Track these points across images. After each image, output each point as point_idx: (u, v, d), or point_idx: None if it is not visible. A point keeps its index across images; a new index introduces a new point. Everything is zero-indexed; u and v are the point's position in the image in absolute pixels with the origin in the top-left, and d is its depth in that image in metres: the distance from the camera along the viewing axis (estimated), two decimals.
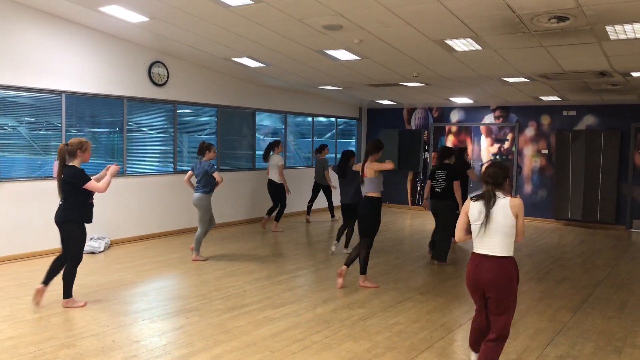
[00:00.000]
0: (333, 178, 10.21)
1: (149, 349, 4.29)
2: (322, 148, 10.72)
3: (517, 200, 3.64)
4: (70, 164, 5.13)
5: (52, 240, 7.51)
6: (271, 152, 9.88)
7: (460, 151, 8.76)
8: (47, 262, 7.02)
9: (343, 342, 4.52)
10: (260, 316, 5.11)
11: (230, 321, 4.96)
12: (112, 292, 5.79)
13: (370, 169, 6.13)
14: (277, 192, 9.84)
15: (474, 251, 3.76)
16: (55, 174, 7.52)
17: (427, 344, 4.54)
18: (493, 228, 3.60)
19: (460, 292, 6.24)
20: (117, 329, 4.71)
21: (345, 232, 8.17)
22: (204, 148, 7.35)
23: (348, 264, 6.32)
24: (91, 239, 7.80)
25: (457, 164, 8.00)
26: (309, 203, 11.18)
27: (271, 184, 9.88)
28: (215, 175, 7.21)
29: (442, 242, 7.62)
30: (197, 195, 7.29)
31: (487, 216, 3.60)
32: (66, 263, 5.28)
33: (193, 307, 5.34)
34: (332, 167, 10.06)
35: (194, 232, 9.45)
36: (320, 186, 10.84)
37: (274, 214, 9.97)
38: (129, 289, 5.89)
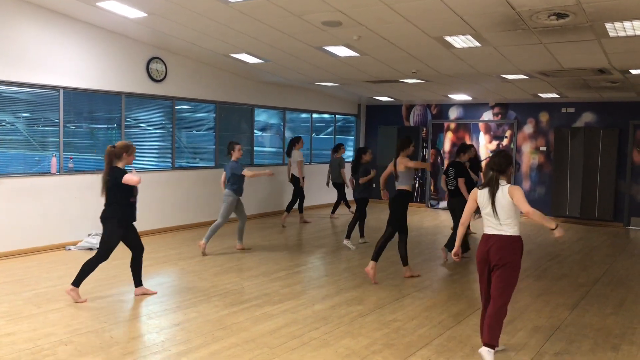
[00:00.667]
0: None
1: (147, 346, 4.28)
2: (339, 147, 10.99)
3: (515, 187, 4.04)
4: (116, 165, 5.30)
5: (50, 236, 7.53)
6: (292, 149, 10.36)
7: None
8: (45, 258, 7.06)
9: (341, 338, 4.52)
10: (259, 312, 5.11)
11: (228, 317, 4.95)
12: (110, 289, 5.78)
13: (402, 164, 6.44)
14: (298, 185, 10.33)
15: (484, 232, 4.18)
16: (53, 170, 7.55)
17: (425, 341, 4.54)
18: (498, 211, 4.05)
19: (458, 289, 6.25)
20: (115, 325, 4.70)
21: (356, 224, 8.53)
22: (229, 148, 7.64)
23: (405, 263, 6.62)
24: (89, 235, 7.80)
25: (472, 161, 8.11)
26: (342, 200, 11.43)
27: (293, 178, 10.36)
28: (245, 173, 7.44)
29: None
30: (225, 191, 7.56)
31: (493, 202, 4.05)
32: (134, 256, 5.55)
33: (191, 304, 5.34)
34: (343, 169, 10.70)
35: (191, 228, 9.49)
36: (336, 184, 10.99)
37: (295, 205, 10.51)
38: (127, 285, 5.87)
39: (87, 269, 5.27)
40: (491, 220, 4.10)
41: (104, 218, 5.32)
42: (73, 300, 5.24)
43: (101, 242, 5.34)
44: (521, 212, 3.99)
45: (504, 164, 4.11)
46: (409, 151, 6.54)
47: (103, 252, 5.30)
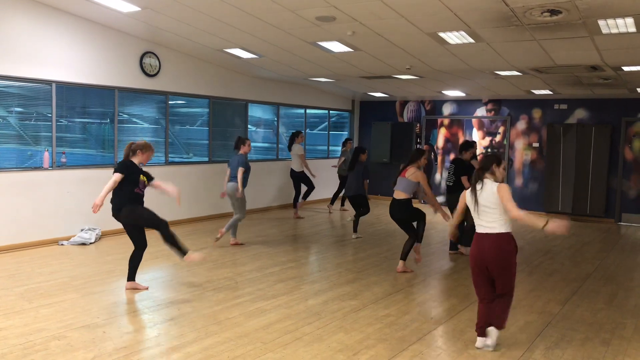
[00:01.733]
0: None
1: (140, 340, 4.28)
2: (347, 141, 11.69)
3: (502, 185, 4.11)
4: (131, 159, 5.45)
5: (43, 231, 7.49)
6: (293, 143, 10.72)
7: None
8: (37, 253, 7.03)
9: (334, 333, 4.54)
10: (252, 307, 5.12)
11: (222, 312, 4.96)
12: (103, 284, 5.77)
13: (413, 176, 6.46)
14: (297, 179, 10.63)
15: (476, 231, 4.25)
16: (46, 165, 7.52)
17: (417, 335, 4.57)
18: (485, 210, 4.11)
19: (451, 285, 6.28)
20: (107, 320, 4.70)
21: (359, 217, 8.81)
22: (239, 142, 7.84)
23: (403, 257, 6.67)
24: (82, 230, 7.78)
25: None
26: (341, 195, 11.77)
27: (292, 173, 10.67)
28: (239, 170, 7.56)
29: (467, 230, 7.60)
30: (230, 184, 7.68)
31: (476, 200, 4.13)
32: (135, 252, 5.55)
33: (185, 299, 5.34)
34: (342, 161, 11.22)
35: (185, 223, 9.48)
36: (341, 176, 11.44)
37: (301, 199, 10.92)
38: (120, 281, 5.87)
39: (174, 240, 5.46)
40: (479, 218, 4.16)
41: (117, 209, 5.37)
42: None
43: (148, 223, 5.41)
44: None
45: (486, 162, 4.20)
46: (420, 162, 6.63)
47: (159, 224, 5.40)
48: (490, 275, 4.20)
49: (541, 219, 4.00)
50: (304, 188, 10.88)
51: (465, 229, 7.70)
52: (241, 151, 7.73)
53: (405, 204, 6.53)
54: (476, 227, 4.22)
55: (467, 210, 4.82)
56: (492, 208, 4.06)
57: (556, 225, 3.94)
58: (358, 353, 4.14)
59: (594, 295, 5.93)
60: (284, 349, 4.17)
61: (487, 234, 4.12)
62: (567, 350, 4.33)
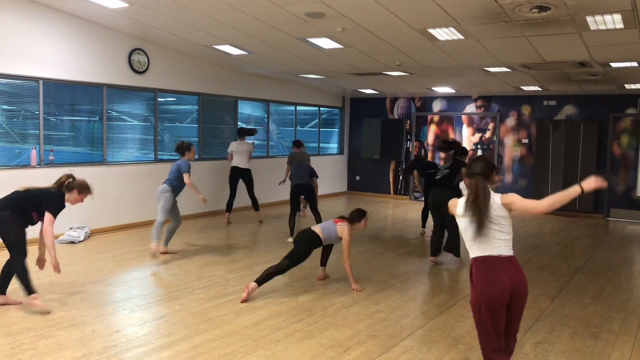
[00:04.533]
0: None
1: (130, 339, 4.25)
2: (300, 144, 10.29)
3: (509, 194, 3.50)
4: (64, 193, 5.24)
5: (30, 229, 7.39)
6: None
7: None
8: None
9: (325, 330, 4.54)
10: (242, 305, 5.11)
11: (212, 310, 4.94)
12: (92, 282, 5.73)
13: (340, 229, 5.73)
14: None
15: (484, 256, 3.51)
16: (33, 163, 7.45)
17: (408, 331, 4.58)
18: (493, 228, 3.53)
19: (441, 281, 6.30)
20: (97, 318, 4.66)
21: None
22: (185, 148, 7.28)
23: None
24: (70, 228, 7.71)
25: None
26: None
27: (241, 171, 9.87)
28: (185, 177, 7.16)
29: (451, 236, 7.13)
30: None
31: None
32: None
33: (174, 297, 5.32)
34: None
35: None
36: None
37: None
38: (109, 279, 5.83)
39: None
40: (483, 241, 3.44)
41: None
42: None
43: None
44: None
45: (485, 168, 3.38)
46: (359, 226, 5.77)
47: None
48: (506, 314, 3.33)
49: (570, 189, 3.33)
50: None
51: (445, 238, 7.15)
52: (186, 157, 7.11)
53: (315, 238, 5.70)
54: (480, 252, 3.36)
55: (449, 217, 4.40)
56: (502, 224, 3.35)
57: (592, 182, 3.24)
58: (349, 349, 4.15)
59: (582, 290, 5.98)
60: (274, 345, 4.17)
61: (502, 257, 3.41)
62: (556, 345, 4.37)
